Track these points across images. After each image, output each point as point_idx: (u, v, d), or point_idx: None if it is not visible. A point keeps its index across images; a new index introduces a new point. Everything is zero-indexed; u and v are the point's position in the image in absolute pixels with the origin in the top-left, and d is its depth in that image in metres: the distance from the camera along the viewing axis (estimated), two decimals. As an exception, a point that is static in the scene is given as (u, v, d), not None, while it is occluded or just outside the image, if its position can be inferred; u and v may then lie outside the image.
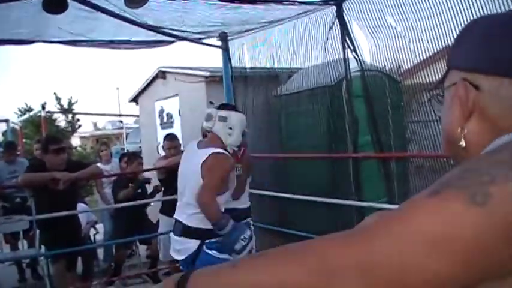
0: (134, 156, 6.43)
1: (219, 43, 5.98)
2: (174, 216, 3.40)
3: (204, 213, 3.13)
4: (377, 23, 4.36)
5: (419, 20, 4.00)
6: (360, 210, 4.69)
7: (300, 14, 4.96)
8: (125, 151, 12.67)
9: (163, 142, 5.74)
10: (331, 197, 4.80)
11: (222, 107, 3.56)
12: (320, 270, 0.58)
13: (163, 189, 5.87)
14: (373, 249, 0.57)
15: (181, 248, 3.28)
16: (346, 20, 4.65)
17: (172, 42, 5.79)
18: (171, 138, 5.73)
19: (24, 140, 15.26)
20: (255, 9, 4.67)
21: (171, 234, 3.41)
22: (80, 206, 5.88)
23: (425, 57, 4.04)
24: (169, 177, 5.20)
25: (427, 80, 4.04)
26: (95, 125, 32.26)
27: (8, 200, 6.68)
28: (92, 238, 7.06)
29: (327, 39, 4.83)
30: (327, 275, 0.57)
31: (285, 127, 5.85)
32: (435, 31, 3.83)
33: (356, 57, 4.68)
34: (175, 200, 3.53)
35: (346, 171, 5.07)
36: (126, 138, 18.15)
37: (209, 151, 3.23)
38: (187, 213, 3.25)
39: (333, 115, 5.15)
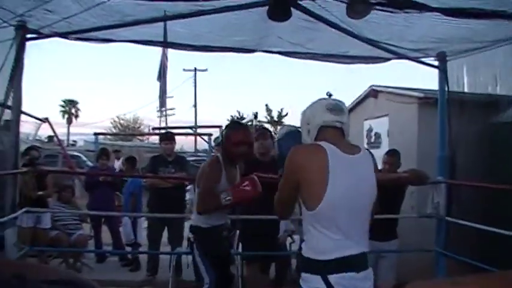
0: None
1: (436, 63, 5.73)
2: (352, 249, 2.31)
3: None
4: None
5: None
6: None
7: (532, 32, 4.51)
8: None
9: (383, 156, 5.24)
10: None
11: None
12: None
13: None
14: None
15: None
16: None
17: (388, 59, 5.69)
18: (389, 153, 5.24)
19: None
20: (479, 25, 4.30)
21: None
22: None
23: None
24: None
25: None
26: (297, 137, 33.37)
27: None
28: (288, 247, 7.29)
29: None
30: None
31: (501, 156, 5.38)
32: None
33: None
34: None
35: None
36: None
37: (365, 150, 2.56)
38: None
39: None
